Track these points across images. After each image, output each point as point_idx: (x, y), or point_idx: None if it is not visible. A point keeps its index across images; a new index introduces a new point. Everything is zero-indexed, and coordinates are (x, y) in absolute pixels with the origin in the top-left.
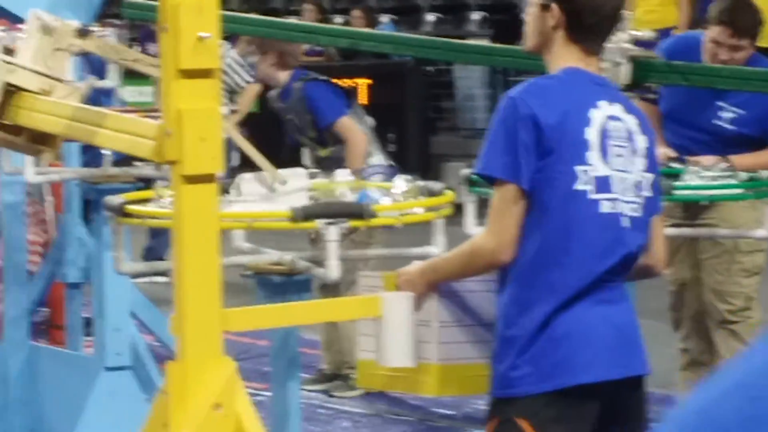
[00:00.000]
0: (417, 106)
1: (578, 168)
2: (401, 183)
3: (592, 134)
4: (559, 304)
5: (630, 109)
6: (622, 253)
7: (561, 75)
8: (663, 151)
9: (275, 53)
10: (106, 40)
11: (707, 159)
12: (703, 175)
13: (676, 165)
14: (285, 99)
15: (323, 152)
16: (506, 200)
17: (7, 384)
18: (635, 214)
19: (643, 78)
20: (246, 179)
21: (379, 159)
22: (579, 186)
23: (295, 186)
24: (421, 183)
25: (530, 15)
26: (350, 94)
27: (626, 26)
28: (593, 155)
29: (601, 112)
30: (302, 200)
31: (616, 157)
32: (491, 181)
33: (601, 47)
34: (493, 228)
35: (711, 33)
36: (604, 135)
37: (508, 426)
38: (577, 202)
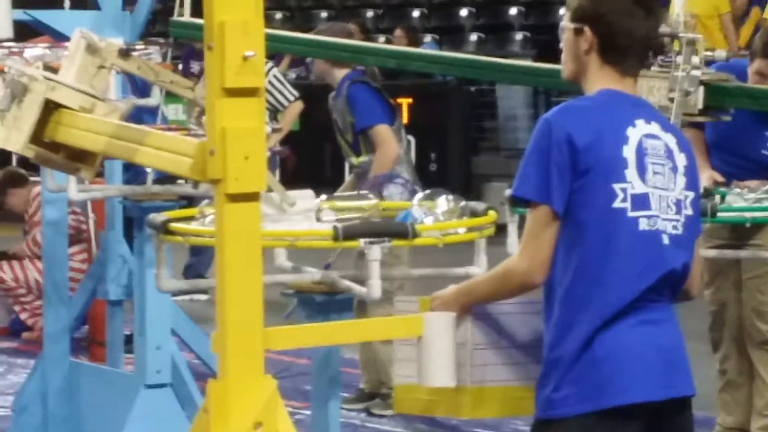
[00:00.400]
0: (459, 126)
1: (616, 186)
2: (443, 202)
3: (629, 152)
4: (600, 323)
5: (668, 128)
6: (663, 271)
7: (596, 96)
8: (710, 174)
9: None
10: (148, 59)
11: (754, 183)
12: (747, 197)
13: (722, 189)
14: (336, 98)
15: (356, 160)
16: (539, 222)
17: (47, 400)
18: (676, 232)
19: (716, 102)
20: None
21: (405, 184)
22: (617, 204)
23: (304, 207)
24: (463, 202)
25: (565, 41)
26: (395, 110)
27: (698, 50)
28: (631, 173)
29: (638, 131)
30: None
31: (655, 174)
32: (525, 203)
33: (636, 69)
34: (525, 250)
35: (756, 65)
36: (642, 153)
37: None
38: (616, 220)
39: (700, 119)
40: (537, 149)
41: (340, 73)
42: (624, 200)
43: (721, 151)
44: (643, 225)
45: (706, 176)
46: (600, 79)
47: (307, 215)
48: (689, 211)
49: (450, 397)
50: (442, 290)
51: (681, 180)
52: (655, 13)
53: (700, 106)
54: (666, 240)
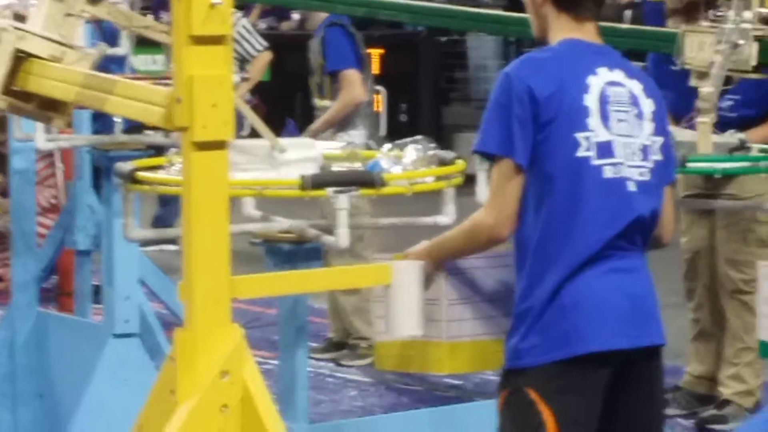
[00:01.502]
0: (429, 77)
1: (579, 135)
2: (412, 152)
3: (590, 101)
4: (568, 272)
5: (633, 75)
6: (629, 218)
7: (556, 47)
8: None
9: None
10: (118, 6)
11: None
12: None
13: None
14: (314, 37)
15: (320, 102)
16: (503, 176)
17: (15, 350)
18: (643, 179)
19: None
20: (238, 147)
21: (359, 135)
22: (581, 153)
23: (295, 156)
24: (433, 149)
25: (526, 3)
26: (366, 60)
27: (751, 4)
28: (593, 121)
29: (600, 79)
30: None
31: (619, 122)
32: (489, 157)
33: (592, 12)
34: (491, 204)
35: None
36: (604, 100)
37: (518, 396)
38: (580, 169)
39: (753, 76)
40: (497, 103)
41: (322, 15)
42: (588, 149)
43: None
44: (608, 173)
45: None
46: (559, 29)
47: (305, 164)
48: (658, 156)
49: (424, 352)
50: (414, 246)
51: (648, 126)
52: None
53: (753, 62)
54: (632, 186)
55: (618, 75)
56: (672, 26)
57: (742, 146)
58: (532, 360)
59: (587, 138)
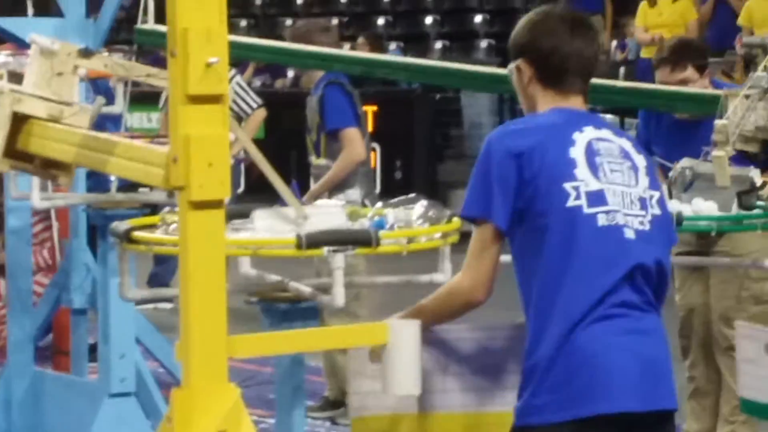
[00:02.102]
0: (424, 134)
1: (567, 185)
2: (420, 209)
3: (576, 153)
4: (570, 324)
5: (620, 134)
6: (628, 265)
7: (540, 114)
8: None
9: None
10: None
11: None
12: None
13: None
14: (312, 95)
15: (315, 161)
16: (481, 240)
17: (11, 409)
18: (643, 228)
19: None
20: (261, 215)
21: (356, 194)
22: (571, 203)
23: (320, 223)
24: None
25: (514, 83)
26: (363, 118)
27: None
28: (581, 171)
29: (586, 135)
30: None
31: (612, 172)
32: (471, 221)
33: (578, 87)
34: (468, 268)
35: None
36: (592, 153)
37: None
38: (573, 218)
39: None
40: (478, 168)
41: (318, 72)
42: (578, 198)
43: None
44: (602, 220)
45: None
46: (546, 104)
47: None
48: (656, 211)
49: (398, 424)
50: (392, 317)
51: (643, 179)
52: (580, 31)
53: None
54: (630, 234)
55: (605, 133)
56: (660, 77)
57: (752, 189)
58: (543, 418)
59: (576, 188)
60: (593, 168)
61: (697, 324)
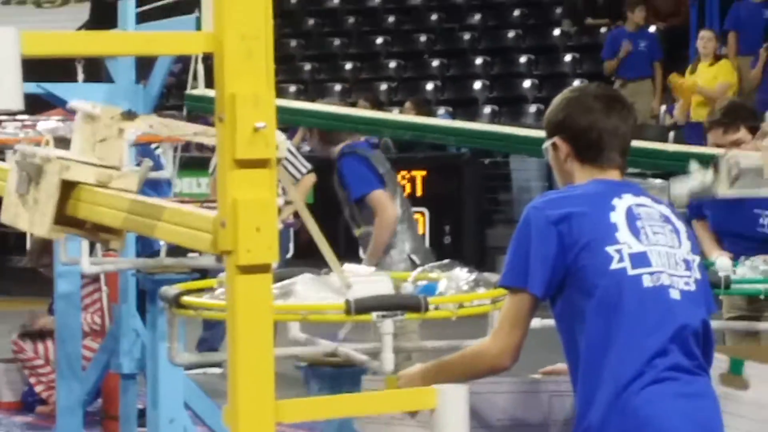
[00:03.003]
0: (473, 198)
1: (609, 249)
2: (462, 274)
3: (617, 218)
4: (621, 387)
5: (659, 201)
6: (675, 326)
7: (579, 184)
8: (719, 254)
9: (316, 132)
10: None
11: (761, 258)
12: (756, 268)
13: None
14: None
15: (357, 232)
16: (514, 307)
17: None
18: (689, 288)
19: None
20: (304, 282)
21: (396, 254)
22: (614, 266)
23: (364, 291)
24: (476, 274)
25: (550, 162)
26: (386, 177)
27: None
28: (623, 235)
29: (625, 201)
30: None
31: (654, 234)
32: (508, 289)
33: (616, 162)
34: (498, 334)
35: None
36: (633, 217)
37: None
38: (617, 281)
39: None
40: (517, 236)
41: (335, 150)
42: (621, 260)
43: (723, 236)
44: (647, 282)
45: (717, 255)
46: (584, 179)
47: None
48: (698, 275)
49: None
50: (408, 369)
51: (686, 242)
52: (616, 108)
53: None
54: (676, 295)
55: (644, 200)
56: (712, 139)
57: None
58: None
59: (618, 251)
60: (635, 231)
61: None
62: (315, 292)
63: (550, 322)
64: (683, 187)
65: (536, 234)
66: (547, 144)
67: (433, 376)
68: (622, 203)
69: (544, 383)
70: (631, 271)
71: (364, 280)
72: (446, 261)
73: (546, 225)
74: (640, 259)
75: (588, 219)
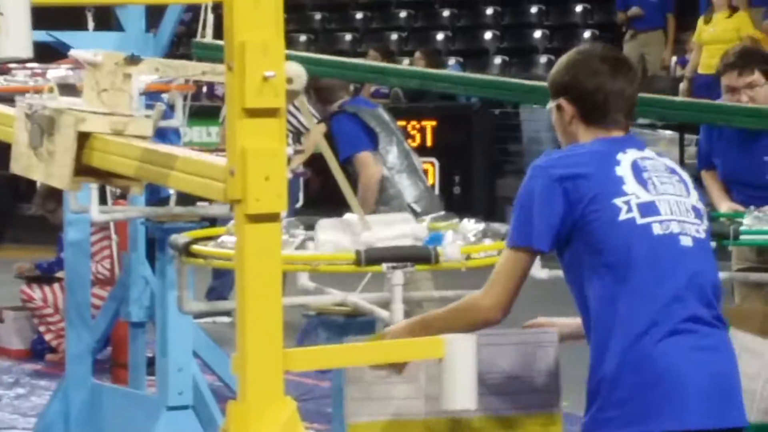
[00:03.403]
0: (483, 149)
1: (617, 200)
2: (469, 225)
3: (623, 171)
4: (635, 337)
5: (663, 155)
6: (688, 273)
7: (582, 143)
8: (729, 205)
9: (314, 90)
10: (171, 81)
11: None
12: (764, 218)
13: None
14: None
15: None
16: (514, 262)
17: (69, 422)
18: (699, 236)
19: None
20: (323, 226)
21: (400, 202)
22: (623, 216)
23: (381, 235)
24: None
25: (554, 123)
26: (378, 133)
27: None
28: (630, 186)
29: (630, 155)
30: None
31: (661, 185)
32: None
33: (621, 123)
34: (493, 287)
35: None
36: (639, 169)
37: None
38: (627, 231)
39: None
40: (521, 194)
41: (331, 109)
42: (629, 211)
43: (733, 185)
44: (657, 229)
45: (726, 206)
46: (588, 139)
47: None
48: (707, 224)
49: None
50: (393, 325)
51: (693, 192)
52: (622, 70)
53: None
54: (687, 242)
55: (649, 153)
56: (726, 81)
57: None
58: None
59: (626, 202)
60: (642, 182)
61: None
62: (334, 235)
63: (558, 272)
64: None
65: (541, 191)
66: (551, 105)
67: (419, 330)
68: (626, 157)
69: (527, 334)
70: (640, 220)
71: (384, 220)
72: (442, 213)
73: (551, 182)
74: (648, 208)
75: (593, 175)
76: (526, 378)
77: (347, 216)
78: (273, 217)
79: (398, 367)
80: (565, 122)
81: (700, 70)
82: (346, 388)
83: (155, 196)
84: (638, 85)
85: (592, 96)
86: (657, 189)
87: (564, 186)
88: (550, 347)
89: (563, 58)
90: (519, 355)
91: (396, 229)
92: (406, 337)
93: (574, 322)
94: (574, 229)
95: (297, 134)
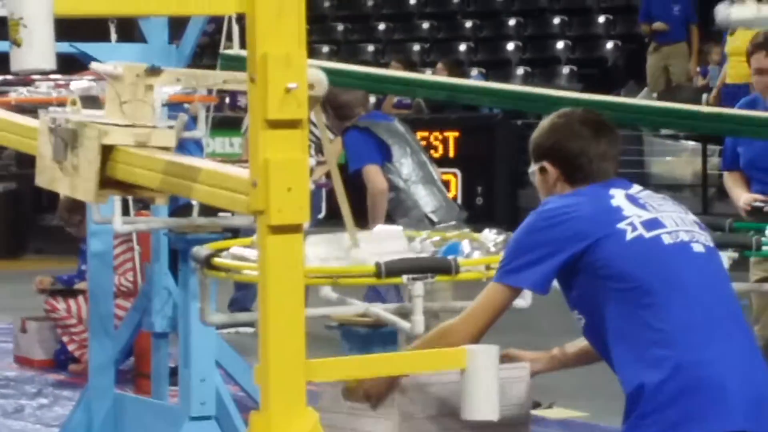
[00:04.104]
0: (506, 159)
1: (620, 225)
2: (490, 235)
3: (618, 201)
4: (667, 344)
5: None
6: (707, 279)
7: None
8: (747, 196)
9: (331, 107)
10: (193, 92)
11: None
12: None
13: (760, 204)
14: None
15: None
16: (495, 299)
17: (92, 431)
18: (709, 244)
19: None
20: (312, 242)
21: (418, 213)
22: (630, 236)
23: (369, 251)
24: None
25: (537, 185)
26: (391, 146)
27: None
28: (630, 210)
29: (622, 191)
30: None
31: (659, 206)
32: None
33: (608, 176)
34: (470, 317)
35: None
36: (633, 198)
37: None
38: (638, 247)
39: None
40: (517, 232)
41: (347, 124)
42: (634, 230)
43: (754, 172)
44: (667, 239)
45: (746, 197)
46: None
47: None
48: (712, 243)
49: None
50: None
51: (691, 217)
52: (604, 132)
53: None
54: (699, 248)
55: (637, 188)
56: (755, 63)
57: None
58: None
59: (630, 223)
60: (640, 206)
61: None
62: (316, 250)
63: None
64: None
65: (538, 232)
66: (534, 168)
67: None
68: (619, 193)
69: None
70: (647, 235)
71: (373, 237)
72: (453, 222)
73: (544, 219)
74: (653, 224)
75: (591, 213)
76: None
77: (338, 235)
78: (296, 228)
79: (373, 402)
80: (549, 184)
81: (728, 80)
82: (326, 418)
83: (174, 203)
84: (619, 147)
85: (576, 159)
86: (656, 209)
87: (558, 222)
88: (520, 383)
89: (545, 122)
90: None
91: (385, 246)
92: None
93: (545, 355)
94: (579, 265)
95: (319, 145)
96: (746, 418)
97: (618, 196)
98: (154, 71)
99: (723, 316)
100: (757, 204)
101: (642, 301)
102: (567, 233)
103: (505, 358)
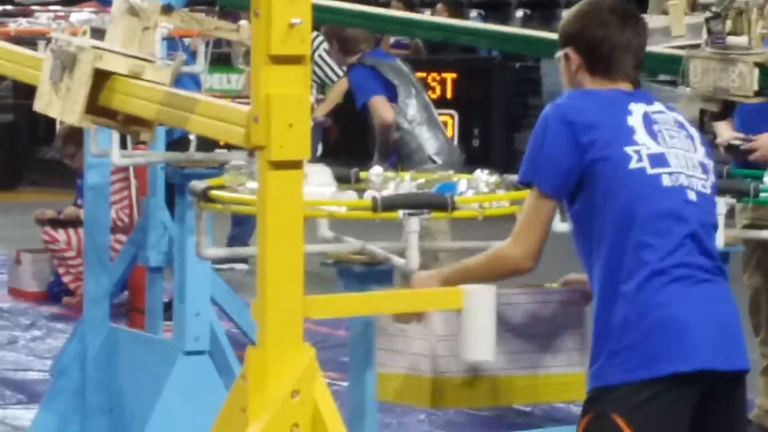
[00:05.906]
0: (503, 102)
1: (628, 149)
2: (482, 176)
3: (634, 121)
4: (641, 284)
5: (671, 108)
6: (693, 225)
7: (597, 89)
8: (728, 134)
9: (337, 40)
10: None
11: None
12: None
13: (737, 142)
14: None
15: None
16: (534, 206)
17: (86, 364)
18: (704, 191)
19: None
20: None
21: (421, 155)
22: (633, 165)
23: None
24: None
25: (561, 72)
26: (397, 85)
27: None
28: (641, 137)
29: (641, 107)
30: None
31: (670, 138)
32: (525, 186)
33: (627, 76)
34: (520, 236)
35: None
36: (649, 121)
37: (603, 422)
38: (637, 180)
39: (755, 100)
40: (533, 136)
41: (352, 60)
42: (639, 160)
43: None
44: (666, 181)
45: (727, 135)
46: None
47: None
48: (713, 179)
49: (414, 386)
50: (424, 272)
51: (701, 148)
52: (631, 23)
53: (755, 87)
54: (693, 196)
55: (659, 107)
56: None
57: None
58: (620, 378)
59: (637, 151)
60: (652, 134)
61: (765, 303)
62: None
63: None
64: None
65: (551, 134)
66: (559, 54)
67: (451, 279)
68: (638, 108)
69: (552, 293)
70: (650, 171)
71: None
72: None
73: (562, 124)
74: (658, 160)
75: (605, 123)
76: (549, 337)
77: None
78: (296, 164)
79: (417, 317)
80: (571, 72)
81: None
82: (377, 339)
83: (170, 136)
84: (646, 38)
85: (598, 47)
86: (666, 142)
87: (573, 129)
88: (575, 306)
89: (573, 9)
90: (543, 314)
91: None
92: (437, 284)
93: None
94: (583, 176)
95: (321, 85)
96: (714, 355)
97: (636, 114)
98: (167, 10)
99: (698, 263)
100: (735, 142)
101: (623, 236)
102: (576, 140)
103: (567, 283)
